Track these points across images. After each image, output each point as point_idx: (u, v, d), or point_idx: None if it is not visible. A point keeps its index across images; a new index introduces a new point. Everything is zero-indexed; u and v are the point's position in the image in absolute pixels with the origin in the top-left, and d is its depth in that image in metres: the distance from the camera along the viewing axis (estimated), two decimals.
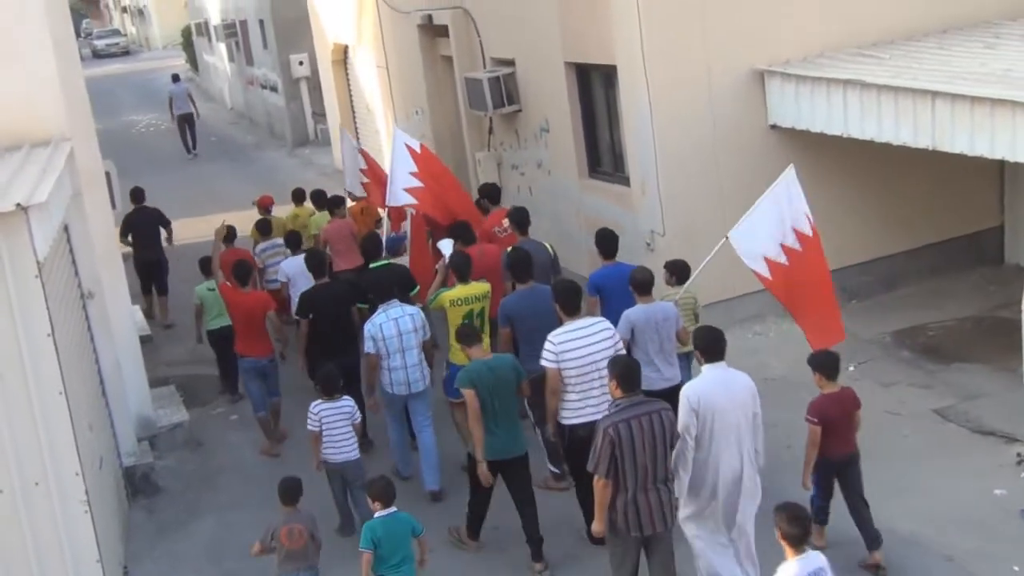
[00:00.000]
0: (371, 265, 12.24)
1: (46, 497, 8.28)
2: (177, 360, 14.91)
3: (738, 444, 8.04)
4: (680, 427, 8.00)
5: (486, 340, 10.24)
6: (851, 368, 11.97)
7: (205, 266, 13.47)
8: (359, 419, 10.16)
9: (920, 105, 11.00)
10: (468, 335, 9.65)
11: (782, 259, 9.58)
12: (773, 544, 6.84)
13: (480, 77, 15.98)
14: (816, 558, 6.70)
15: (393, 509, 8.22)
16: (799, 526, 6.59)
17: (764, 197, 9.68)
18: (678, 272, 10.62)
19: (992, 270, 14.17)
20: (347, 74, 25.29)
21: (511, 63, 16.01)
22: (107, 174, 12.14)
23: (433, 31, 18.41)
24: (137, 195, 17.07)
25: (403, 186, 13.20)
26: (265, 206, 16.36)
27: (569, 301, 9.22)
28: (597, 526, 7.91)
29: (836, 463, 8.68)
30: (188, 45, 47.52)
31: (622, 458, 7.64)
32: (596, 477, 7.71)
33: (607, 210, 14.11)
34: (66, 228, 10.28)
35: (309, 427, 10.01)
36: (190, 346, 14.66)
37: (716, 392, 8.00)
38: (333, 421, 9.94)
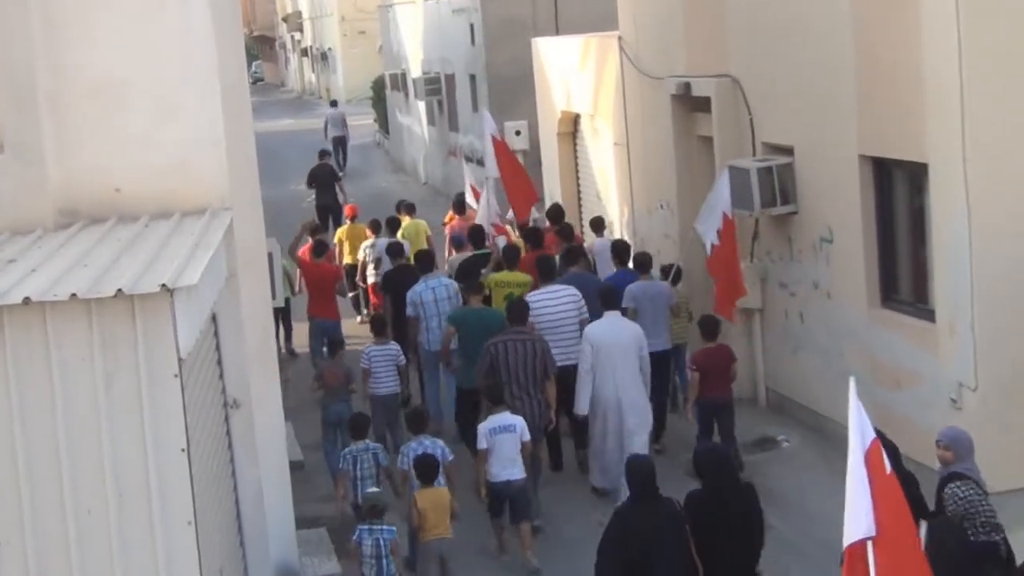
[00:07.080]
0: (475, 251, 18.88)
1: None
2: (332, 495, 14.94)
3: (614, 374, 14.08)
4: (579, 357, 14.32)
5: None
6: None
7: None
8: (403, 362, 16.00)
9: None
10: (473, 287, 15.89)
11: (716, 239, 15.98)
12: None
13: (748, 166, 16.08)
14: (509, 416, 12.97)
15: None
16: (495, 391, 13.30)
17: (709, 195, 16.38)
18: (673, 275, 16.69)
19: None
20: (576, 150, 25.64)
21: (789, 151, 16.10)
22: (269, 255, 12.49)
23: (690, 103, 18.61)
24: (323, 153, 31.99)
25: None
26: (352, 214, 24.60)
27: (547, 271, 15.96)
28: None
29: (711, 405, 14.33)
30: (379, 100, 48.05)
31: (499, 367, 13.97)
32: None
33: (902, 350, 13.94)
34: (214, 318, 10.49)
35: (361, 364, 15.83)
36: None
37: (606, 332, 14.32)
38: (380, 361, 15.69)
